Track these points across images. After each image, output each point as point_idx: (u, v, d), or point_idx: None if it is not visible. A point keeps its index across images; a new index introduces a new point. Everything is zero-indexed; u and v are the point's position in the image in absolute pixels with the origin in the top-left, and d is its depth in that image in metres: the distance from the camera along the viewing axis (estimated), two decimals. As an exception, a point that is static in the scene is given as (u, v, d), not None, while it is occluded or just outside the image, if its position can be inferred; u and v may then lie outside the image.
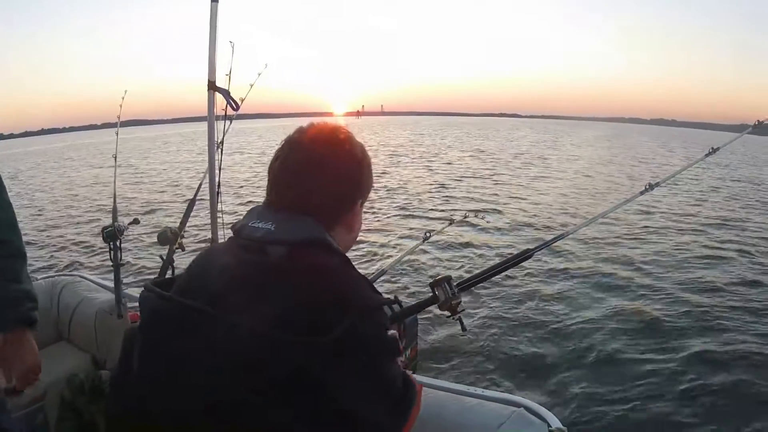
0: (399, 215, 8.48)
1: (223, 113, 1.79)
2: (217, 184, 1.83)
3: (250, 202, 9.78)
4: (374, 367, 0.65)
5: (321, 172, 0.74)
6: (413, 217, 8.46)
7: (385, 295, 0.72)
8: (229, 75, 1.75)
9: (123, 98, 2.27)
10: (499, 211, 8.71)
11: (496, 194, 10.76)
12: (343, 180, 0.76)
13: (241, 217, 0.77)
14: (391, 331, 0.68)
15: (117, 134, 2.23)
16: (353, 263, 0.74)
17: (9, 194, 1.13)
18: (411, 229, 7.40)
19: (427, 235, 1.74)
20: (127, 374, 0.70)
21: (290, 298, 0.63)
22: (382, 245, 6.46)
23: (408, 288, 4.74)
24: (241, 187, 11.87)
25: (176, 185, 12.51)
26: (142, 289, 0.76)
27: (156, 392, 0.64)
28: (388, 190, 10.83)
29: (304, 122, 0.81)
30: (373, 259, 5.80)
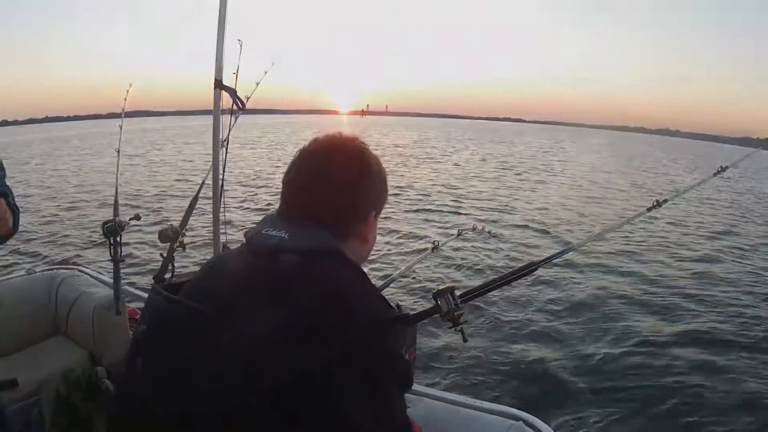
0: (408, 221, 8.40)
1: (229, 111, 1.78)
2: (220, 182, 1.81)
3: (252, 199, 9.79)
4: (376, 372, 0.64)
5: (328, 178, 0.75)
6: (424, 220, 8.41)
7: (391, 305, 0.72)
8: (237, 73, 1.74)
9: (128, 91, 2.25)
10: (507, 218, 8.71)
11: (504, 200, 10.75)
12: (350, 186, 0.76)
13: (255, 225, 0.78)
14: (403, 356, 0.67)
15: (121, 127, 2.21)
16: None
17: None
18: (419, 236, 7.31)
19: (436, 243, 1.75)
20: (132, 375, 0.70)
21: (297, 305, 0.63)
22: (391, 252, 6.40)
23: (411, 295, 4.68)
24: (253, 179, 11.90)
25: (182, 180, 12.48)
26: (146, 287, 0.76)
27: (159, 394, 0.64)
28: (397, 192, 10.74)
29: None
30: (381, 266, 5.71)
